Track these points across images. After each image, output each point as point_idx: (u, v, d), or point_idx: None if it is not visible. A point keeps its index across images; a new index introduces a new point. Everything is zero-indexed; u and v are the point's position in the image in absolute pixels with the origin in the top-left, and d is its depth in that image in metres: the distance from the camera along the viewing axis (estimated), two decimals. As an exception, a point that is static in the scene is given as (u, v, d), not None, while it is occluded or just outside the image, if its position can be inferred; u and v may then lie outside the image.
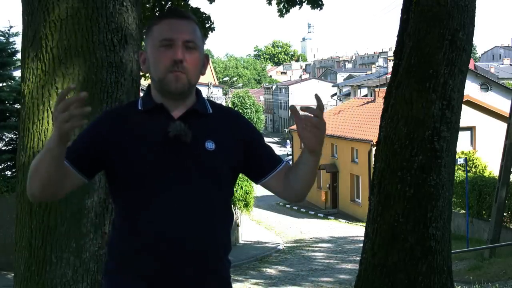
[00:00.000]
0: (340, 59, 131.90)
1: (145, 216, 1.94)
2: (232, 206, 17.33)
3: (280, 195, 2.14)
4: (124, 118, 2.01)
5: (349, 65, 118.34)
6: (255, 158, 2.09)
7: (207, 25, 9.83)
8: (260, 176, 2.12)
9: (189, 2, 9.73)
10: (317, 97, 1.89)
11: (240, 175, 2.18)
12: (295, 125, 1.90)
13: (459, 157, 17.08)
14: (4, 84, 13.05)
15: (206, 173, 1.97)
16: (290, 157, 40.80)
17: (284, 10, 11.25)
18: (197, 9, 9.73)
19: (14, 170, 11.67)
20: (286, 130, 55.67)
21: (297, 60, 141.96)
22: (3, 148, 12.66)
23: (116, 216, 2.08)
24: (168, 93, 1.98)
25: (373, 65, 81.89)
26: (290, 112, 67.57)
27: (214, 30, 9.83)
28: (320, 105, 1.85)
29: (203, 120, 2.03)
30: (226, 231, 2.07)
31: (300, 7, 11.28)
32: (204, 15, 9.80)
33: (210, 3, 10.76)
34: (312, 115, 1.87)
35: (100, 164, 2.00)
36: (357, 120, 31.15)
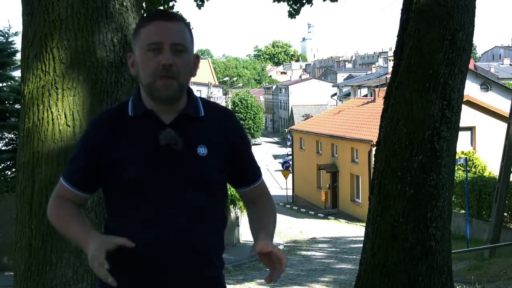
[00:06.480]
0: (340, 59, 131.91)
1: (134, 222, 1.95)
2: (232, 206, 17.32)
3: (251, 208, 2.15)
4: (113, 126, 1.98)
5: (349, 65, 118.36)
6: (239, 166, 2.06)
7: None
8: (239, 185, 2.12)
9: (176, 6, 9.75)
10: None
11: None
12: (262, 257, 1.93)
13: (459, 157, 17.07)
14: (4, 84, 13.04)
15: (198, 179, 1.95)
16: (290, 157, 40.76)
17: (293, 11, 11.07)
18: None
19: (14, 170, 11.66)
20: (286, 130, 55.62)
21: (297, 60, 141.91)
22: (3, 148, 12.65)
23: (107, 218, 2.09)
24: (158, 99, 1.93)
25: (373, 65, 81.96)
26: (290, 113, 67.54)
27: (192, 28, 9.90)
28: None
29: (195, 124, 1.98)
30: (218, 235, 2.06)
31: (311, 5, 11.07)
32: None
33: (199, 8, 10.78)
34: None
35: (100, 176, 2.02)
36: (357, 120, 31.15)
